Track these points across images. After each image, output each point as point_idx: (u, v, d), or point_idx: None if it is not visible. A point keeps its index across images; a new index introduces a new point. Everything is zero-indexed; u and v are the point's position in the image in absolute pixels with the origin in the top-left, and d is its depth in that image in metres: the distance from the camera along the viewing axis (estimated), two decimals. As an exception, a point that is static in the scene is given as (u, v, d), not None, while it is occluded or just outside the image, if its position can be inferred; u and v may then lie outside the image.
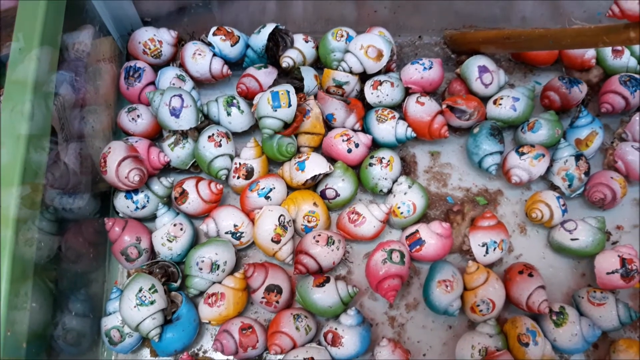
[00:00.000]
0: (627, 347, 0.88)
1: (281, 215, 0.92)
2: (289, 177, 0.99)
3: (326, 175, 0.98)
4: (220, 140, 0.98)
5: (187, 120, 0.96)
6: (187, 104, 0.96)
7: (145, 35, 1.05)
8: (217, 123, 1.03)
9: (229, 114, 1.01)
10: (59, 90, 0.82)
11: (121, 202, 0.96)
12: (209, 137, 0.98)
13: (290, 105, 0.92)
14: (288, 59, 1.04)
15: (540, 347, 0.86)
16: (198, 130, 1.00)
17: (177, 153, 0.99)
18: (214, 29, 1.04)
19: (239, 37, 1.05)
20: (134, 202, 0.95)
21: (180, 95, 0.96)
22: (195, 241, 0.98)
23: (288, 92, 0.92)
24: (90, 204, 0.93)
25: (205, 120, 1.03)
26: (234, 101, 1.02)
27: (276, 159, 1.00)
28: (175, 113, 0.95)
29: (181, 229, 0.94)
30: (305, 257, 0.91)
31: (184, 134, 0.99)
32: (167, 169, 1.02)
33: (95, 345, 0.92)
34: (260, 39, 1.03)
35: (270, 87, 1.02)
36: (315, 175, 0.95)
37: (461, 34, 1.10)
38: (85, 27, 0.93)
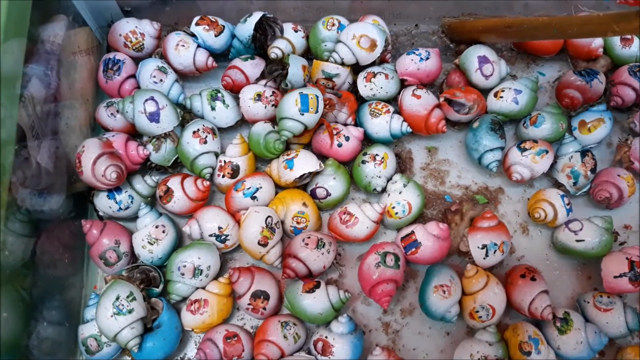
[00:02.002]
0: (636, 355, 0.86)
1: (268, 216, 0.88)
2: (277, 176, 0.94)
3: (316, 173, 0.93)
4: (206, 136, 0.93)
5: (168, 121, 0.93)
6: (163, 104, 0.92)
7: (126, 27, 1.00)
8: (201, 118, 0.99)
9: (213, 109, 0.97)
10: (27, 85, 0.78)
11: (103, 203, 0.92)
12: (194, 132, 0.93)
13: (317, 111, 0.89)
14: (276, 49, 0.99)
15: (543, 355, 0.83)
16: (182, 125, 0.96)
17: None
18: (197, 18, 1.00)
19: (223, 26, 1.00)
20: (116, 203, 0.92)
21: (152, 98, 0.92)
22: (179, 244, 0.94)
23: (317, 97, 0.89)
24: (65, 204, 0.89)
25: (188, 115, 0.99)
26: (219, 95, 0.98)
27: (263, 157, 0.96)
28: (154, 118, 0.91)
29: (163, 232, 0.90)
30: (294, 260, 0.87)
31: (165, 135, 0.94)
32: (148, 168, 0.98)
33: (71, 354, 0.88)
34: (246, 28, 0.98)
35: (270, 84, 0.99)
36: (304, 174, 0.91)
37: (460, 22, 1.06)
38: (58, 17, 0.88)
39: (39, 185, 0.81)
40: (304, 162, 0.91)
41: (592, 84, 0.97)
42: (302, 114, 0.88)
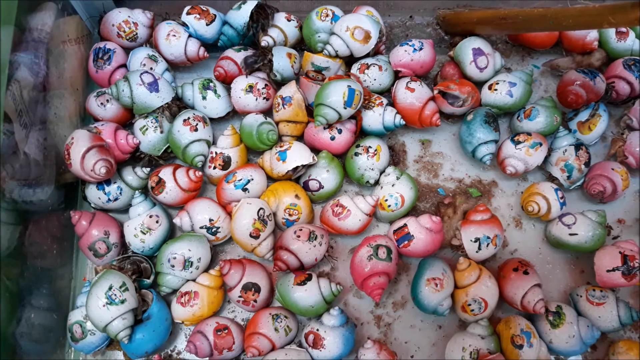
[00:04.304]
0: (628, 350, 0.85)
1: (260, 208, 0.87)
2: (269, 167, 0.93)
3: (310, 165, 0.92)
4: (197, 124, 0.92)
5: (167, 91, 0.93)
6: (158, 75, 0.93)
7: (118, 17, 0.99)
8: (192, 108, 0.97)
9: (204, 98, 0.96)
10: (15, 73, 0.77)
11: (93, 193, 0.91)
12: (184, 120, 0.92)
13: (357, 107, 0.89)
14: (268, 38, 0.98)
15: (535, 349, 0.82)
16: (171, 112, 0.94)
17: (149, 137, 0.93)
18: (187, 7, 0.98)
19: (215, 15, 0.99)
20: (105, 194, 0.90)
21: (146, 72, 0.92)
22: (171, 236, 0.93)
23: (361, 94, 0.89)
24: (54, 195, 0.87)
25: (181, 104, 0.97)
26: (211, 84, 0.96)
27: (256, 148, 0.94)
28: (154, 88, 0.91)
29: (157, 222, 0.89)
30: (286, 253, 0.86)
31: (166, 110, 0.93)
32: (138, 159, 0.96)
33: (60, 345, 0.87)
34: (241, 15, 0.97)
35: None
36: (298, 167, 0.90)
37: (455, 14, 1.05)
38: (47, 5, 0.87)
39: (27, 175, 0.80)
40: (297, 155, 0.90)
41: (595, 81, 0.96)
42: (345, 108, 0.87)
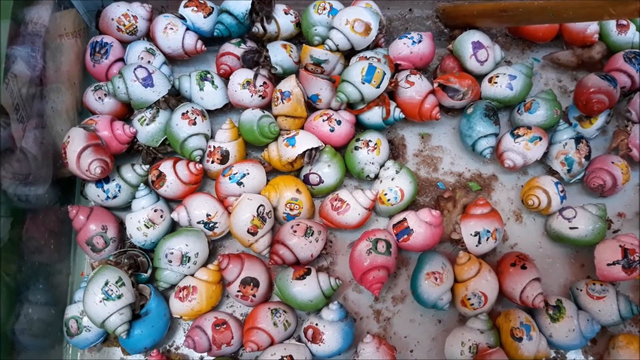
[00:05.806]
0: (628, 344, 0.85)
1: (261, 205, 0.86)
2: (276, 157, 0.92)
3: (320, 150, 0.92)
4: (195, 118, 0.91)
5: (162, 84, 0.92)
6: (152, 69, 0.92)
7: (118, 11, 0.98)
8: (189, 100, 0.96)
9: (201, 89, 0.95)
10: (11, 67, 0.76)
11: (92, 191, 0.90)
12: (183, 114, 0.91)
13: (379, 86, 0.89)
14: (259, 25, 0.98)
15: (535, 342, 0.82)
16: (169, 104, 0.94)
17: (147, 128, 0.92)
18: (185, 0, 0.97)
19: (212, 8, 0.98)
20: (104, 191, 0.90)
21: (140, 66, 0.91)
22: (172, 231, 0.92)
23: (384, 74, 0.89)
24: (51, 190, 0.87)
25: (178, 96, 0.97)
26: (208, 76, 0.96)
27: (258, 143, 0.94)
28: (148, 83, 0.90)
29: (161, 217, 0.88)
30: (282, 247, 0.86)
31: (163, 103, 0.92)
32: (136, 152, 0.96)
33: (58, 341, 0.87)
34: (243, 3, 0.95)
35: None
36: (310, 153, 0.89)
37: (455, 6, 1.04)
38: (42, -1, 0.86)
39: (24, 169, 0.79)
40: (306, 138, 0.89)
41: (615, 86, 0.94)
42: (363, 83, 0.88)
